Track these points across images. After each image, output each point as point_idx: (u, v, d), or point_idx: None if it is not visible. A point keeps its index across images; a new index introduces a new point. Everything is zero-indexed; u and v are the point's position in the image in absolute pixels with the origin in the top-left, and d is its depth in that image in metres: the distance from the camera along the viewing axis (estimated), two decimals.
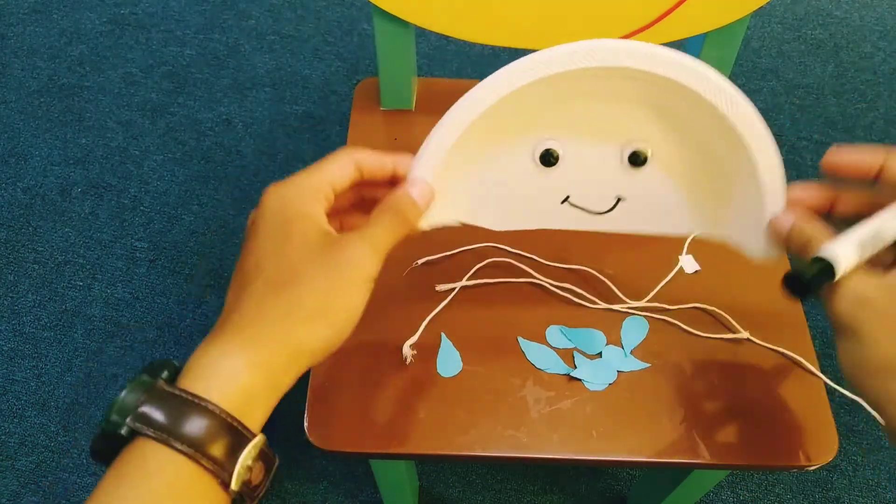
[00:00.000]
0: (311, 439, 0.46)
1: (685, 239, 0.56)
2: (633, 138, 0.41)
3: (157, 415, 0.29)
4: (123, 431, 0.29)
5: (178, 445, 0.28)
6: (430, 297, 0.52)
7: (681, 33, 0.56)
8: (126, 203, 1.11)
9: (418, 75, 0.65)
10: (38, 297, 1.01)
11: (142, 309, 1.00)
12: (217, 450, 0.29)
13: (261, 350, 0.31)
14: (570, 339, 0.50)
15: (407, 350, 0.49)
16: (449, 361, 0.49)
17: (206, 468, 0.28)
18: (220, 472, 0.29)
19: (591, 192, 0.43)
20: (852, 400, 0.44)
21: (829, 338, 0.98)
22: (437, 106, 0.64)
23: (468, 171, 0.42)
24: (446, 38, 1.30)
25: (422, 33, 1.29)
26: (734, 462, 0.46)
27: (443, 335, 0.50)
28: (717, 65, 0.59)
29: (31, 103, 1.23)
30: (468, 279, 0.53)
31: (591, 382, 0.48)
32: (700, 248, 0.55)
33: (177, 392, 0.29)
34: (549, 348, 0.50)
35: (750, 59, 1.31)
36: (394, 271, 0.54)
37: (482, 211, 0.43)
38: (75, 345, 0.97)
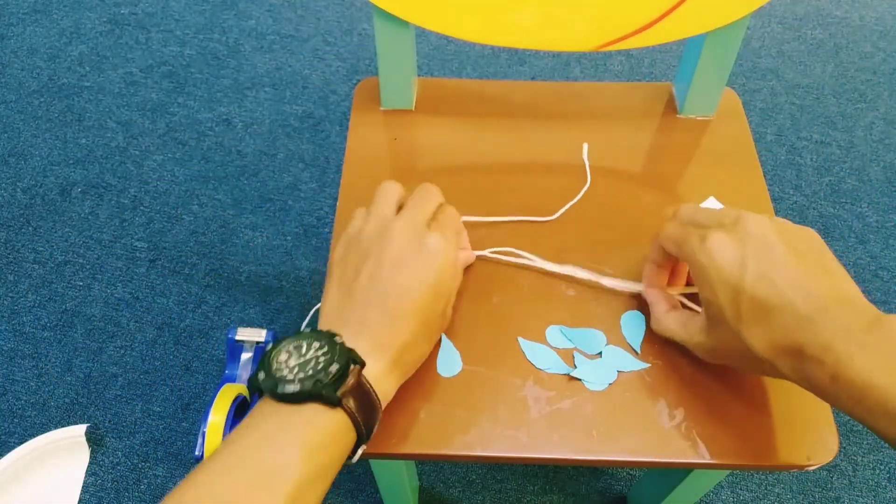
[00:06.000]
0: None
1: None
2: None
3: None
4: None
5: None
6: None
7: (681, 33, 0.56)
8: (126, 203, 1.11)
9: (418, 75, 0.65)
10: (38, 297, 1.02)
11: (142, 309, 1.00)
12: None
13: None
14: (570, 339, 0.50)
15: None
16: (449, 361, 0.49)
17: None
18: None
19: None
20: None
21: None
22: (437, 106, 0.65)
23: None
24: (446, 38, 1.30)
25: (422, 33, 1.29)
26: (734, 462, 0.46)
27: (443, 335, 0.50)
28: (717, 65, 0.59)
29: (31, 103, 1.23)
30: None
31: (592, 382, 0.48)
32: None
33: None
34: (549, 348, 0.50)
35: (750, 59, 1.31)
36: None
37: None
38: (75, 345, 0.97)
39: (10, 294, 1.02)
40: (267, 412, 0.38)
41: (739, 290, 0.40)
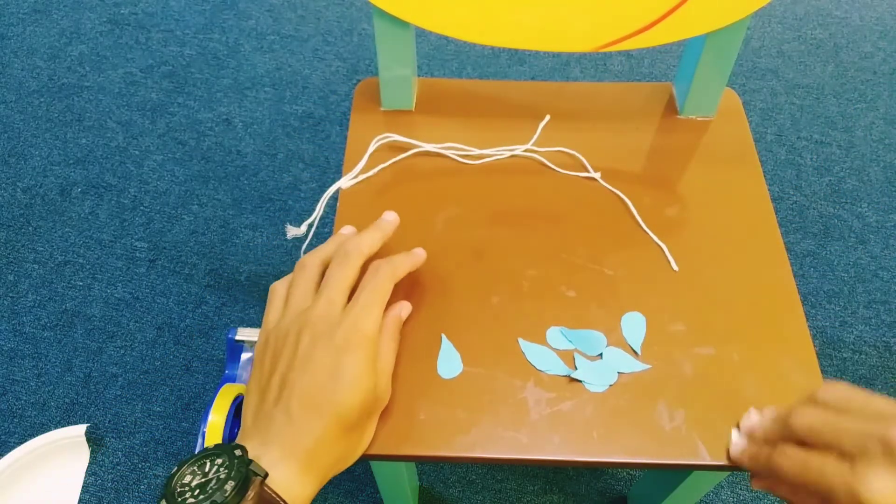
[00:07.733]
0: None
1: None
2: None
3: None
4: None
5: None
6: (435, 304, 0.52)
7: (681, 34, 0.56)
8: (126, 203, 1.11)
9: (418, 75, 0.65)
10: (38, 297, 1.01)
11: (142, 309, 1.00)
12: None
13: None
14: (570, 341, 0.50)
15: (293, 229, 0.52)
16: (449, 362, 0.49)
17: None
18: None
19: None
20: None
21: (828, 337, 0.98)
22: (437, 106, 0.65)
23: None
24: (446, 38, 1.30)
25: (422, 33, 1.29)
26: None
27: (443, 336, 0.50)
28: (718, 65, 0.59)
29: (31, 103, 1.23)
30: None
31: (592, 384, 0.48)
32: (686, 251, 0.55)
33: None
34: (549, 349, 0.50)
35: (750, 59, 1.31)
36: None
37: None
38: (75, 345, 0.97)
39: (10, 294, 1.02)
40: None
41: None
